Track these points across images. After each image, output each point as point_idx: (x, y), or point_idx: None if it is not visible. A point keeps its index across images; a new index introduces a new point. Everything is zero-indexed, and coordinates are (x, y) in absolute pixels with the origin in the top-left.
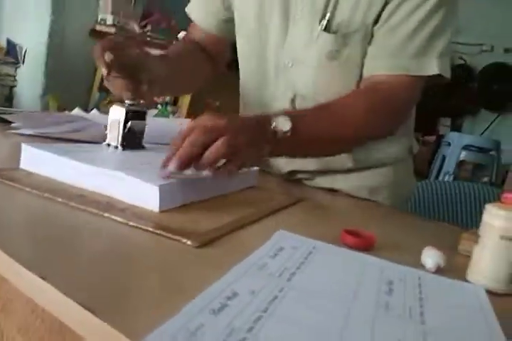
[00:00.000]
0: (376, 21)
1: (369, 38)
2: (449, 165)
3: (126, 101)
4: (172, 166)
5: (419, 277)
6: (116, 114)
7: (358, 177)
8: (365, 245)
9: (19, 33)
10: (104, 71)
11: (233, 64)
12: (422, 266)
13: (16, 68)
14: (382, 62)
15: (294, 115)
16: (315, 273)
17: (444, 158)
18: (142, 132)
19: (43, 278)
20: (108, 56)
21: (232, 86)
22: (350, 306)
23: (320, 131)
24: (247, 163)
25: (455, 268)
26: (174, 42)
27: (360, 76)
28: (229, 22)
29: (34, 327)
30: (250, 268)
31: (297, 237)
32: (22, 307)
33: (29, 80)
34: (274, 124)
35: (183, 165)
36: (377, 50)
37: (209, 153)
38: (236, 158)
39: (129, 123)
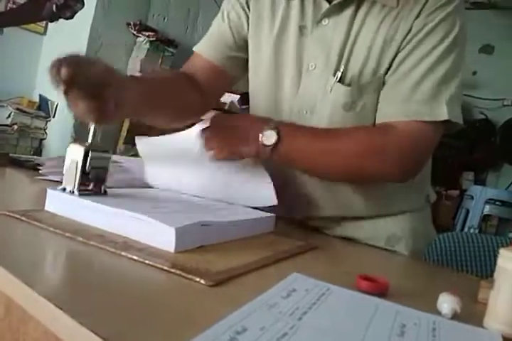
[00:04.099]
0: (388, 70)
1: (382, 87)
2: (473, 219)
3: (89, 134)
4: None
5: (434, 321)
6: (74, 153)
7: (374, 225)
8: (380, 290)
9: (51, 89)
10: (59, 90)
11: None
12: (437, 313)
13: (47, 122)
14: (393, 108)
15: (285, 131)
16: (327, 313)
17: (467, 212)
18: (104, 175)
19: (61, 308)
20: (65, 71)
21: None
22: None
23: (305, 154)
24: (223, 154)
25: (473, 315)
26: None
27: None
28: (237, 60)
29: None
30: (261, 306)
31: (311, 280)
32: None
33: (59, 133)
34: (260, 135)
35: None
36: (388, 96)
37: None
38: (216, 147)
39: (88, 164)
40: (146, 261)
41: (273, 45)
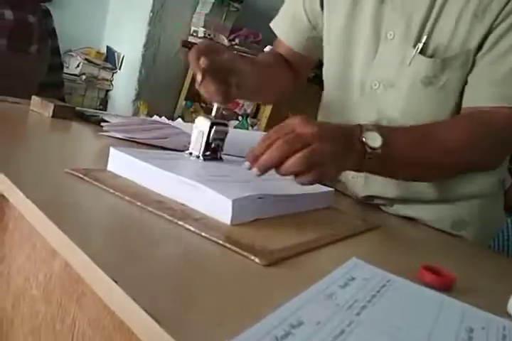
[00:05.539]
0: (478, 48)
1: (469, 66)
2: None
3: (212, 112)
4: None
5: (505, 327)
6: (201, 124)
7: (441, 207)
8: (445, 284)
9: (118, 41)
10: (198, 76)
11: (315, 78)
12: (508, 315)
13: (113, 73)
14: (486, 92)
15: (385, 131)
16: (387, 309)
17: None
18: (222, 144)
19: (116, 282)
20: (203, 61)
21: (313, 101)
22: None
23: (414, 153)
24: (327, 175)
25: None
26: (261, 54)
27: (457, 106)
28: (315, 40)
29: (104, 323)
30: (317, 295)
31: (371, 268)
32: (95, 302)
33: (124, 86)
34: (363, 138)
35: (264, 171)
36: (481, 79)
37: (290, 164)
38: (317, 168)
39: (212, 135)
40: (203, 234)
41: (348, 11)
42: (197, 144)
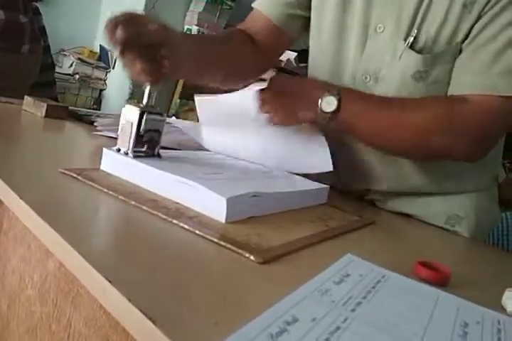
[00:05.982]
0: (465, 39)
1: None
2: None
3: (144, 95)
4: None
5: (499, 321)
6: (129, 114)
7: (435, 203)
8: (440, 280)
9: None
10: (116, 52)
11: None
12: (502, 309)
13: (107, 73)
14: (468, 80)
15: (347, 98)
16: (382, 305)
17: None
18: (158, 138)
19: (110, 281)
20: (120, 33)
21: None
22: None
23: (367, 125)
24: (280, 119)
25: None
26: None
27: None
28: (297, 19)
29: (100, 322)
30: (312, 292)
31: (366, 264)
32: (91, 302)
33: (117, 85)
34: (319, 100)
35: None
36: (463, 67)
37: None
38: (272, 114)
39: (143, 126)
40: (197, 232)
41: (339, 3)
42: (125, 138)
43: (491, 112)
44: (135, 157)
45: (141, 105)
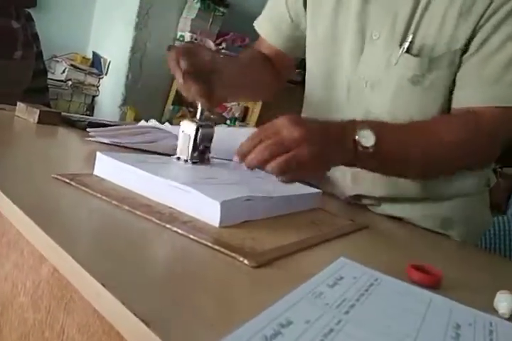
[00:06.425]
0: (465, 49)
1: (456, 65)
2: None
3: (197, 115)
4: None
5: (491, 323)
6: (187, 128)
7: (428, 207)
8: (433, 282)
9: (104, 46)
10: (179, 78)
11: (304, 82)
12: (494, 311)
13: (99, 79)
14: (476, 93)
15: (379, 129)
16: (375, 307)
17: None
18: (209, 146)
19: (103, 285)
20: (183, 64)
21: (302, 104)
22: None
23: (409, 150)
24: (307, 176)
25: None
26: (242, 52)
27: (444, 105)
28: (297, 40)
29: (93, 328)
30: (306, 295)
31: (359, 267)
32: (84, 308)
33: (110, 91)
34: (357, 137)
35: (251, 169)
36: (470, 80)
37: (271, 167)
38: (297, 171)
39: (199, 138)
40: (191, 236)
41: (332, 11)
42: (184, 148)
43: (503, 123)
44: (193, 163)
45: (196, 120)
